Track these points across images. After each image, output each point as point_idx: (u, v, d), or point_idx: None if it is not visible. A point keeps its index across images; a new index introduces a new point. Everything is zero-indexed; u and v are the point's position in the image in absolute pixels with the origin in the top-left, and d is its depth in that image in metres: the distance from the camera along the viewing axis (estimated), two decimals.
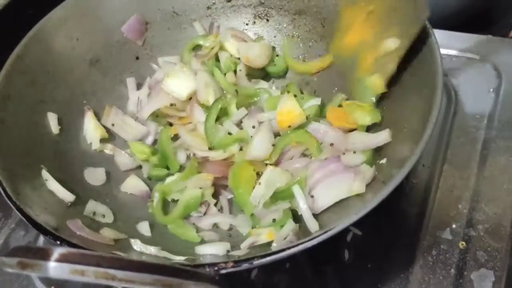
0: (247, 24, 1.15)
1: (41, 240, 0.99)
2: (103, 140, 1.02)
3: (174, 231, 0.90)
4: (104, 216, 0.89)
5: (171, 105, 1.01)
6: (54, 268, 0.50)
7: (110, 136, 1.04)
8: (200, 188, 0.92)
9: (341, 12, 0.99)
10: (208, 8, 1.14)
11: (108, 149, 1.02)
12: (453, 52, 1.15)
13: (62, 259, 0.50)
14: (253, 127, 0.96)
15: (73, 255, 0.51)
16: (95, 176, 0.97)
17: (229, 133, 0.98)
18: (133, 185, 0.98)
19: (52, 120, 0.97)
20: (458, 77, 1.11)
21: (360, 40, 0.93)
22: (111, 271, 0.51)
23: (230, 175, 0.91)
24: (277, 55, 1.11)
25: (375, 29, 0.89)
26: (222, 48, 1.09)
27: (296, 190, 0.84)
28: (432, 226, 0.90)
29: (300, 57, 1.11)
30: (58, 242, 0.70)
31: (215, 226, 0.92)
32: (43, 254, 0.51)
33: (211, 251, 0.84)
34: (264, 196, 0.86)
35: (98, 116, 1.04)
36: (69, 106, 1.01)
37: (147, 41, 1.13)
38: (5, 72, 0.92)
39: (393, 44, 0.85)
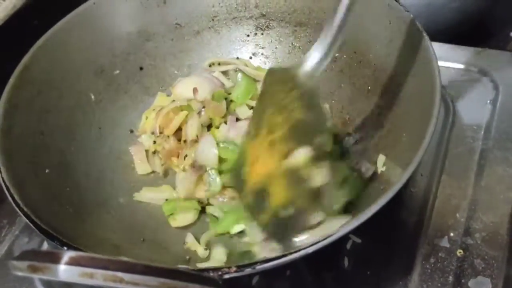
0: (248, 36, 1.17)
1: (45, 247, 0.99)
2: None
3: None
4: None
5: None
6: (64, 271, 0.52)
7: None
8: None
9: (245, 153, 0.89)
10: (211, 20, 1.16)
11: None
12: (451, 64, 1.16)
13: (72, 262, 0.52)
14: None
15: (83, 258, 0.52)
16: None
17: None
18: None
19: None
20: (456, 89, 1.13)
21: (266, 172, 0.85)
22: (119, 274, 0.52)
23: None
24: None
25: (280, 154, 0.82)
26: None
27: None
28: (430, 234, 0.92)
29: None
30: (65, 248, 0.72)
31: None
32: (53, 258, 0.52)
33: None
34: None
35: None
36: (74, 115, 1.03)
37: (151, 52, 1.15)
38: (12, 82, 0.94)
39: (303, 153, 0.80)
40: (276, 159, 0.82)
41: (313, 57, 0.82)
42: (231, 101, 1.05)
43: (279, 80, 0.85)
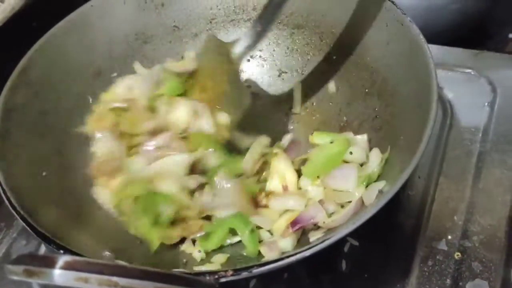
0: None
1: (43, 249, 1.00)
2: None
3: None
4: None
5: None
6: (59, 275, 0.52)
7: None
8: None
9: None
10: (209, 22, 1.16)
11: None
12: (448, 66, 1.16)
13: (67, 266, 0.52)
14: None
15: (78, 263, 0.52)
16: None
17: None
18: None
19: None
20: (454, 91, 1.13)
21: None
22: (114, 279, 0.52)
23: None
24: None
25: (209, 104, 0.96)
26: None
27: None
28: (428, 237, 0.92)
29: (298, 70, 1.13)
30: (62, 251, 0.72)
31: None
32: (48, 262, 0.52)
33: None
34: None
35: None
36: (71, 118, 1.03)
37: (149, 54, 1.15)
38: (10, 84, 0.94)
39: (224, 118, 0.94)
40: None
41: (243, 43, 0.96)
42: None
43: (216, 49, 0.98)
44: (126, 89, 1.04)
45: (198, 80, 0.99)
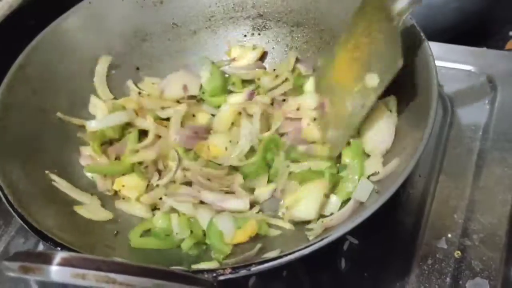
0: (245, 36, 1.16)
1: (41, 247, 0.99)
2: None
3: None
4: None
5: None
6: (56, 272, 0.51)
7: None
8: None
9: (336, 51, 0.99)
10: (208, 20, 1.15)
11: None
12: (449, 64, 1.16)
13: (64, 263, 0.51)
14: None
15: (75, 259, 0.52)
16: None
17: None
18: None
19: None
20: (454, 89, 1.13)
21: (343, 80, 0.96)
22: (112, 275, 0.52)
23: None
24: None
25: (357, 72, 0.91)
26: None
27: None
28: (428, 236, 0.91)
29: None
30: (59, 248, 0.71)
31: None
32: (45, 258, 0.52)
33: None
34: None
35: None
36: (69, 115, 1.02)
37: (147, 52, 1.14)
38: (7, 81, 0.94)
39: (372, 81, 0.86)
40: (354, 74, 0.91)
41: None
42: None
43: (377, 4, 0.89)
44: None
45: (352, 36, 0.94)
